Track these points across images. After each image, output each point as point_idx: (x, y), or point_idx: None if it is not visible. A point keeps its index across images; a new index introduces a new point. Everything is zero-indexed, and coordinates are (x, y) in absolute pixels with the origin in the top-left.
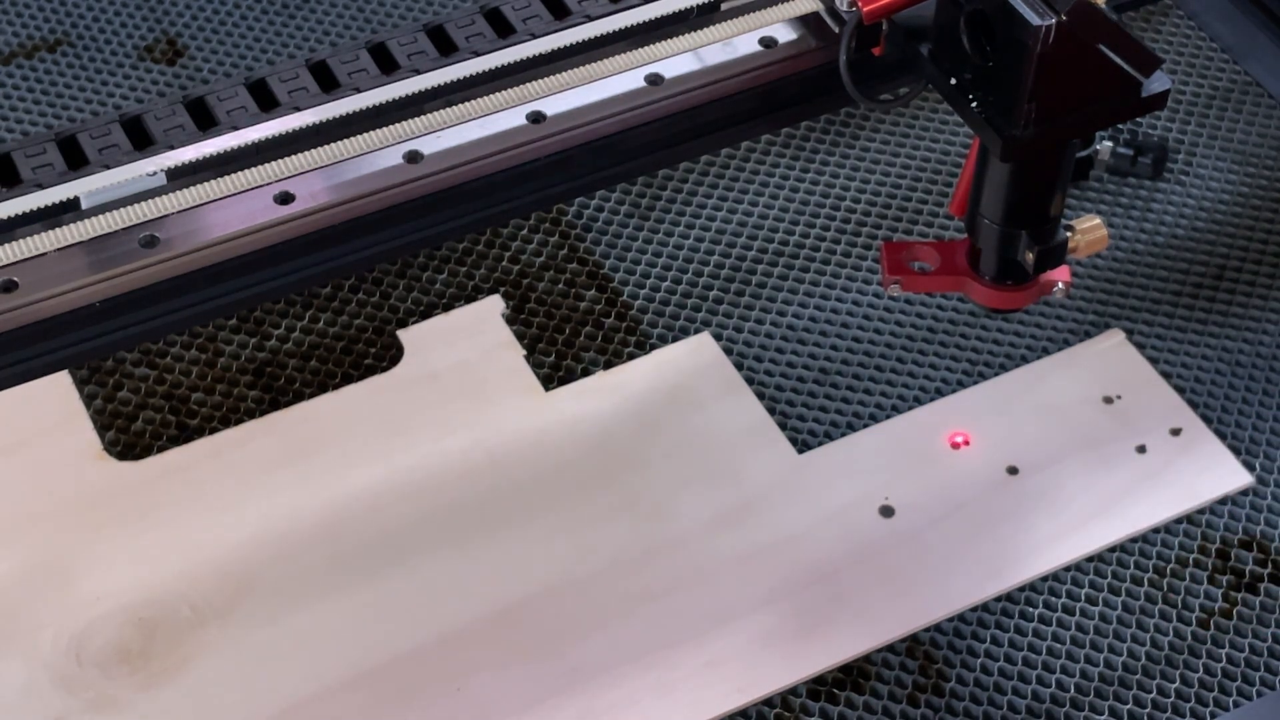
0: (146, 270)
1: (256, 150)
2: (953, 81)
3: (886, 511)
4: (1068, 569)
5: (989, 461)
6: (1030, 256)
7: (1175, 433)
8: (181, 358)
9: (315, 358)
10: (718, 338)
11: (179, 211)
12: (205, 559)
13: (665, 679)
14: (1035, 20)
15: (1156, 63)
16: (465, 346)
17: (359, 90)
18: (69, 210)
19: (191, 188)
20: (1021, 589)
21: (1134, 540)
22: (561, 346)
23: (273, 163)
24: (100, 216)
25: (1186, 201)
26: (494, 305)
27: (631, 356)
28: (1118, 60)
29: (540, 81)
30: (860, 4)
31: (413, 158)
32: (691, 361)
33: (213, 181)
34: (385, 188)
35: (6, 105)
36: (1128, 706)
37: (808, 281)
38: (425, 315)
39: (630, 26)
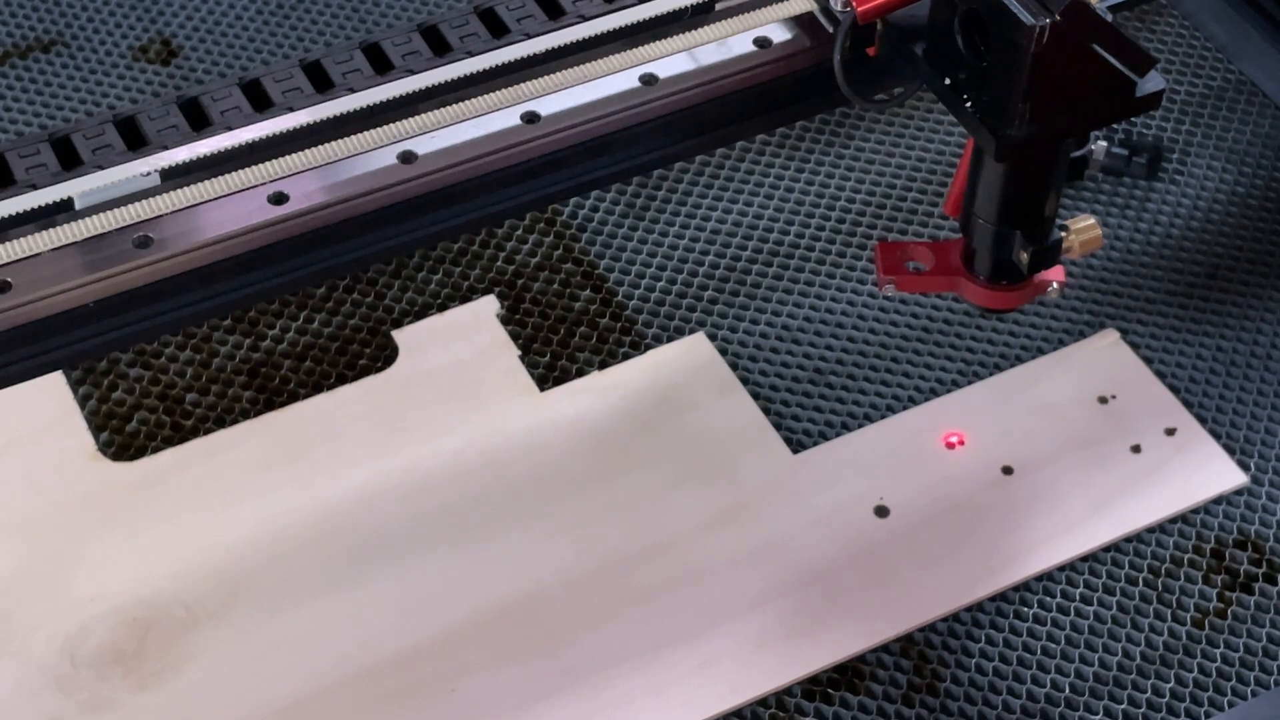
0: (140, 271)
1: (250, 150)
2: (947, 81)
3: (881, 511)
4: (1062, 568)
5: (984, 461)
6: (1025, 256)
7: (1170, 432)
8: (176, 358)
9: (310, 358)
10: (712, 338)
11: (173, 212)
12: (199, 560)
13: (660, 679)
14: (1029, 20)
15: (1151, 63)
16: (460, 347)
17: (353, 90)
18: (63, 211)
19: (185, 188)
20: (1016, 588)
21: (1129, 540)
22: (556, 347)
23: (267, 163)
24: (94, 217)
25: (1181, 201)
26: (489, 305)
27: (626, 356)
28: (1112, 60)
29: (534, 82)
30: (855, 4)
31: (407, 158)
32: (686, 362)
33: (207, 182)
34: (379, 188)
35: (0, 106)
36: (1122, 706)
37: (803, 281)
38: (420, 315)
39: (624, 26)
